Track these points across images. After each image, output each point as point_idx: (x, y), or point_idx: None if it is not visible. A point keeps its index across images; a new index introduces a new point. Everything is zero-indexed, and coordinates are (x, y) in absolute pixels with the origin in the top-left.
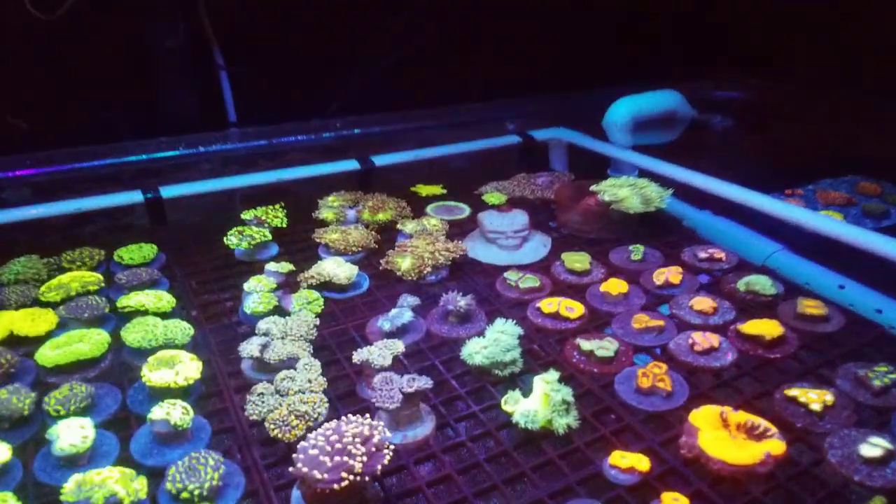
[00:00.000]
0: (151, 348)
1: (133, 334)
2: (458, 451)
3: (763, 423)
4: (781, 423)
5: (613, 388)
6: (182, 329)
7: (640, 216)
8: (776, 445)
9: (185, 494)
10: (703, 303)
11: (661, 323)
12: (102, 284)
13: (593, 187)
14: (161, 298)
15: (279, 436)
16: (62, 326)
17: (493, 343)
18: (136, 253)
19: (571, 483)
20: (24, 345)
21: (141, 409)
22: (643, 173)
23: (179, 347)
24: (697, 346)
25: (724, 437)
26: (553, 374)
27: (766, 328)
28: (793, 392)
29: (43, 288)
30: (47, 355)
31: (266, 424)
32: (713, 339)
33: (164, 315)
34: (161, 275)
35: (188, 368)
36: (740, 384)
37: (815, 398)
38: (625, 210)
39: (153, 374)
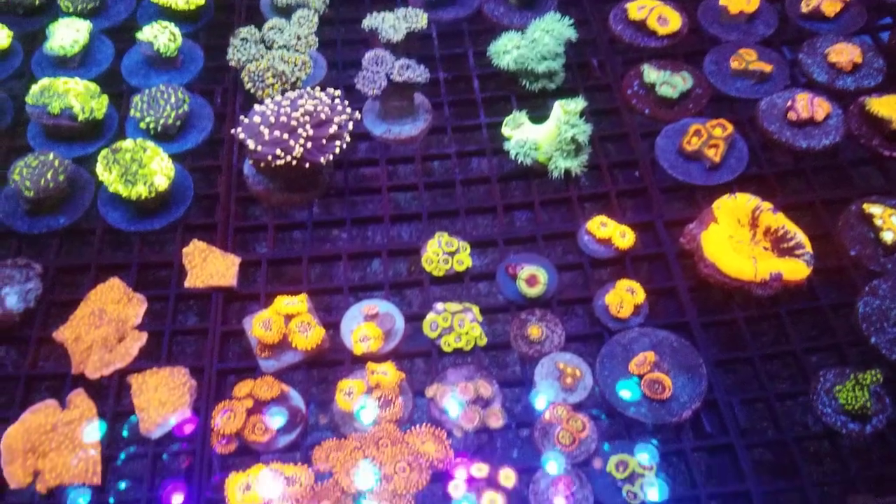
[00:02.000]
0: None
1: None
2: (442, 162)
3: (799, 236)
4: (834, 243)
5: (653, 140)
6: None
7: None
8: (796, 269)
9: (142, 124)
10: (843, 52)
11: (768, 68)
12: None
13: None
14: None
15: (253, 91)
16: None
17: (530, 45)
18: None
19: (538, 237)
20: None
21: (144, 23)
22: None
23: None
24: (793, 114)
25: (742, 238)
26: (578, 104)
27: None
28: (873, 209)
29: None
30: None
31: (242, 75)
32: (821, 109)
33: None
34: None
35: None
36: (819, 179)
37: (894, 225)
38: None
39: None
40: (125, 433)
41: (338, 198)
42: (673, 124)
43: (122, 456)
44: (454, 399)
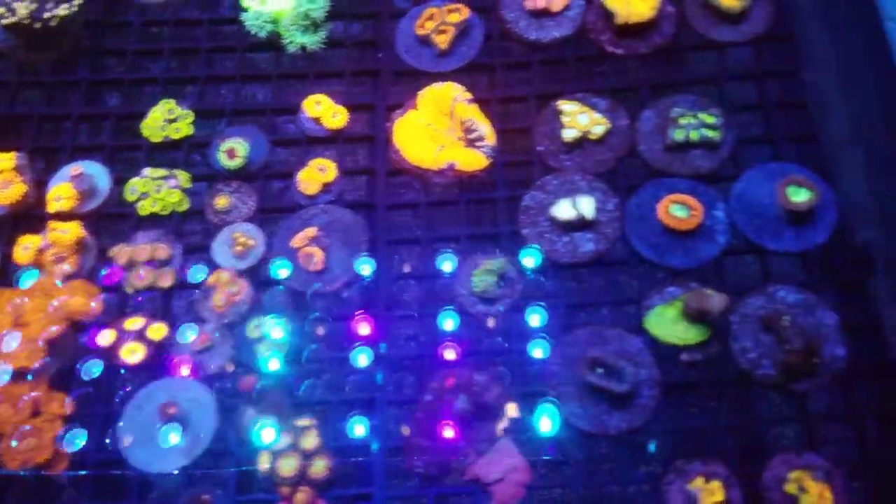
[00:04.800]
0: None
1: None
2: (189, 28)
3: (483, 129)
4: (529, 138)
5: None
6: None
7: None
8: (473, 160)
9: None
10: None
11: None
12: None
13: None
14: None
15: None
16: None
17: None
18: None
19: (267, 110)
20: None
21: None
22: None
23: None
24: (530, 3)
25: (441, 127)
26: None
27: (637, 3)
28: (565, 106)
29: None
30: None
31: None
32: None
33: None
34: None
35: None
36: (543, 73)
37: (579, 123)
38: None
39: None
40: None
41: (84, 58)
42: (419, 7)
43: None
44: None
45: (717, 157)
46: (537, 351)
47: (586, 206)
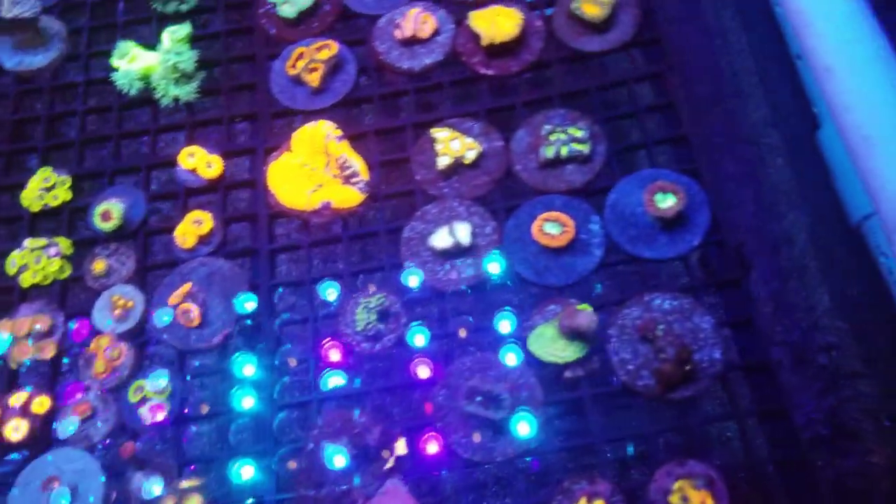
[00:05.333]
0: None
1: None
2: (71, 91)
3: (356, 165)
4: (407, 168)
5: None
6: None
7: None
8: (349, 196)
9: None
10: None
11: None
12: None
13: None
14: None
15: None
16: None
17: None
18: None
19: (142, 167)
20: None
21: None
22: None
23: None
24: (398, 32)
25: (317, 165)
26: (183, 30)
27: (502, 23)
28: (438, 134)
29: None
30: None
31: None
32: (426, 24)
33: None
34: None
35: None
36: (417, 101)
37: (452, 150)
38: None
39: None
40: None
41: None
42: (292, 45)
43: None
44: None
45: (590, 169)
46: (422, 371)
47: (462, 232)
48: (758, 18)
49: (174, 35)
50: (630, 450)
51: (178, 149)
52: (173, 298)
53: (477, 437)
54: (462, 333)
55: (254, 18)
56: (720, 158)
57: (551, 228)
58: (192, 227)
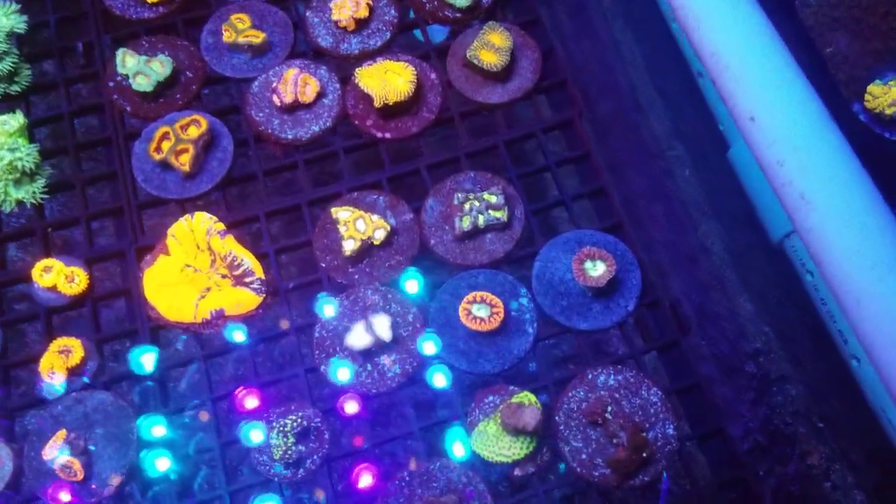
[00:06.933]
0: None
1: None
2: None
3: (247, 262)
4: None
5: None
6: None
7: None
8: (243, 300)
9: None
10: (345, 6)
11: (258, 38)
12: None
13: None
14: None
15: None
16: None
17: None
18: None
19: None
20: None
21: None
22: None
23: None
24: (276, 98)
25: (202, 265)
26: (17, 121)
27: (392, 80)
28: (340, 213)
29: None
30: None
31: None
32: (308, 87)
33: None
34: None
35: None
36: (312, 174)
37: (357, 232)
38: None
39: None
40: None
41: None
42: (153, 123)
43: None
44: None
45: (510, 237)
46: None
47: (381, 326)
48: (650, 32)
49: (5, 128)
50: None
51: (30, 265)
52: (46, 453)
53: None
54: (412, 465)
55: (104, 94)
56: (627, 175)
57: (479, 311)
58: (59, 357)
